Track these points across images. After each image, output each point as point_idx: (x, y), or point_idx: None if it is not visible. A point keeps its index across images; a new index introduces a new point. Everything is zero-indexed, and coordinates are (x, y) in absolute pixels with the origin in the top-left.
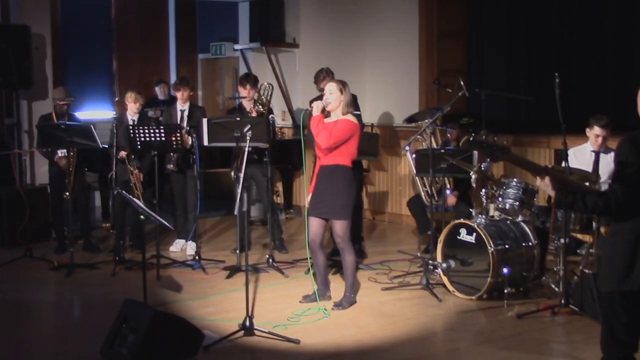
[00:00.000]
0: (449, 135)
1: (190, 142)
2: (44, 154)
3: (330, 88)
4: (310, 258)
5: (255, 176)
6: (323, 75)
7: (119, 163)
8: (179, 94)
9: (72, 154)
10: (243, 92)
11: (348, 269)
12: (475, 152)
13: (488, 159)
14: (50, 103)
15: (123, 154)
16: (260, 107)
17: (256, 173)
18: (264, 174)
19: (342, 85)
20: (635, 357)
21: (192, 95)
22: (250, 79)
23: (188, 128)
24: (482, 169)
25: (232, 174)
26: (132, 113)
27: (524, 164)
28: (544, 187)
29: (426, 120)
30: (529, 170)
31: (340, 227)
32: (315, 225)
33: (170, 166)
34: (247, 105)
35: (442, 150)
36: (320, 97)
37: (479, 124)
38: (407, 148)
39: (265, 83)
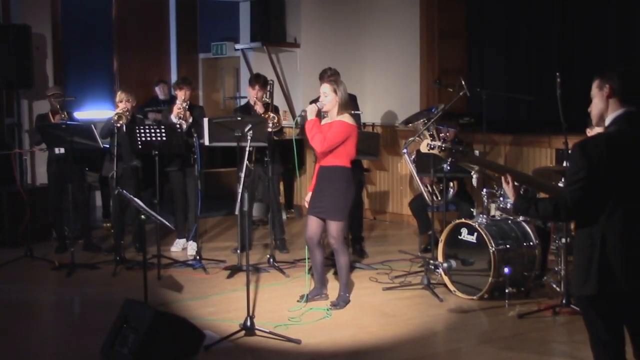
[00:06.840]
0: (447, 134)
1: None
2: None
3: (325, 90)
4: (309, 258)
5: (262, 176)
6: (328, 74)
7: (119, 163)
8: (180, 94)
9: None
10: (252, 93)
11: (342, 270)
12: (476, 150)
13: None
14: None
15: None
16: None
17: (262, 173)
18: (272, 173)
19: (337, 85)
20: (626, 357)
21: (192, 95)
22: (260, 80)
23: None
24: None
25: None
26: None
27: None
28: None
29: (422, 120)
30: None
31: (335, 227)
32: (313, 223)
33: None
34: (259, 108)
35: None
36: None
37: (480, 123)
38: (405, 150)
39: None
